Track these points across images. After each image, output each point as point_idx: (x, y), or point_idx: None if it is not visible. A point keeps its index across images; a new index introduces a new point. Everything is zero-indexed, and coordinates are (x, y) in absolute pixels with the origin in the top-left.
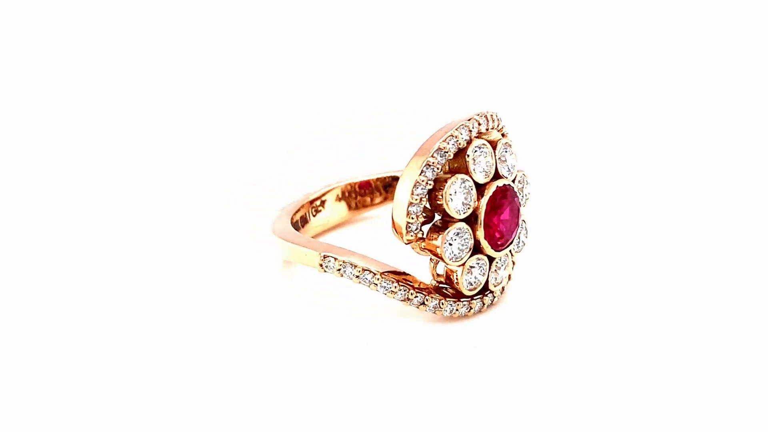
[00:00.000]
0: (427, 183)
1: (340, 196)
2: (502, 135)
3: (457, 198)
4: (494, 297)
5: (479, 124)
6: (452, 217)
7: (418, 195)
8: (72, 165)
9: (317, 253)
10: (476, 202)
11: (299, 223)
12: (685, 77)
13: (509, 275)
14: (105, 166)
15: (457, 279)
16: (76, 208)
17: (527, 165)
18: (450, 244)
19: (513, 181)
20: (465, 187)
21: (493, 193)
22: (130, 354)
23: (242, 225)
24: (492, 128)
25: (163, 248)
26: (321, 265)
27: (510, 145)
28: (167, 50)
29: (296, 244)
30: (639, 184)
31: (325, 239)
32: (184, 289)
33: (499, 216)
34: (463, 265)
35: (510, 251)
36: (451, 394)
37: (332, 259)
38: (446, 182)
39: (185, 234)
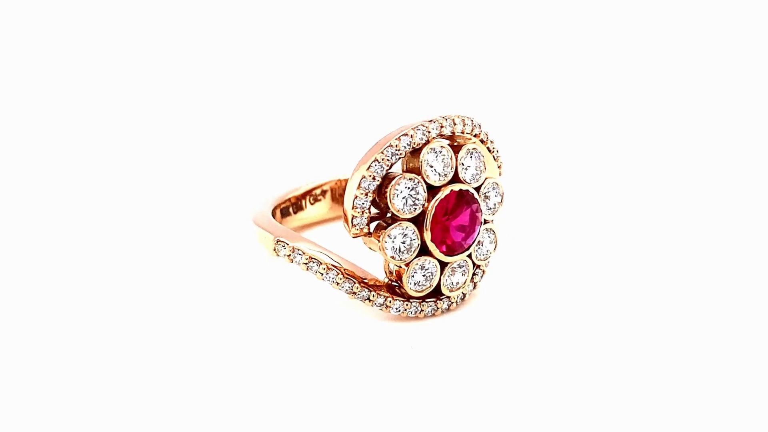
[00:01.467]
0: (374, 178)
1: (329, 191)
2: (481, 141)
3: (401, 196)
4: (451, 302)
5: (442, 127)
6: (398, 216)
7: (364, 189)
8: (60, 159)
9: (272, 236)
10: (426, 204)
11: (288, 212)
12: (677, 78)
13: (475, 283)
14: (97, 160)
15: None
16: (64, 202)
17: (514, 167)
18: (393, 241)
19: (478, 189)
20: (413, 186)
21: (447, 196)
22: (120, 345)
23: (232, 218)
24: (465, 132)
25: (156, 242)
26: (274, 250)
27: (477, 152)
28: (166, 49)
29: (259, 226)
30: (624, 189)
31: (310, 233)
32: (169, 279)
33: (452, 220)
34: (408, 264)
35: (471, 258)
36: (375, 392)
37: (284, 245)
38: (393, 179)
39: (177, 228)
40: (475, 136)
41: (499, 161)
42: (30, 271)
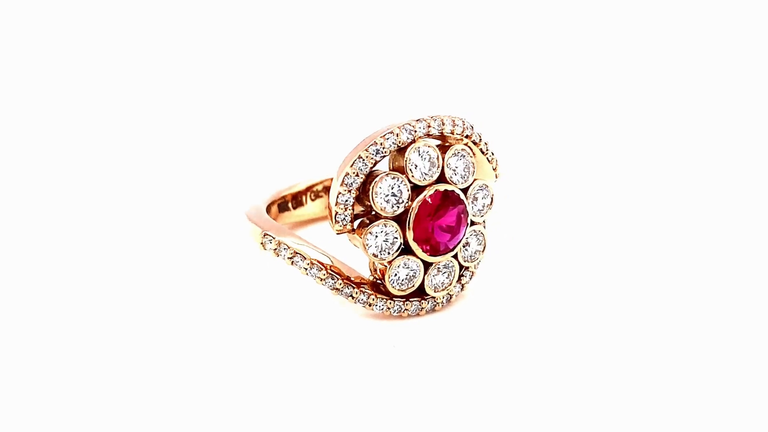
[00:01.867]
0: (357, 175)
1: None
2: (474, 143)
3: (383, 194)
4: (436, 302)
5: (429, 126)
6: (380, 214)
7: (347, 186)
8: (50, 156)
9: (260, 230)
10: (410, 203)
11: (286, 207)
12: (673, 78)
13: (462, 285)
14: (92, 156)
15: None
16: (55, 198)
17: (509, 167)
18: (374, 239)
19: (466, 190)
20: (397, 185)
21: (432, 196)
22: (108, 335)
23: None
24: (455, 133)
25: (153, 238)
26: (262, 244)
27: (466, 153)
28: (163, 48)
29: (251, 220)
30: (617, 192)
31: (311, 228)
32: (161, 272)
33: (437, 221)
34: (391, 263)
35: (457, 259)
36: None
37: (271, 239)
38: (377, 177)
39: (174, 224)
40: (466, 137)
41: (494, 163)
42: (16, 259)
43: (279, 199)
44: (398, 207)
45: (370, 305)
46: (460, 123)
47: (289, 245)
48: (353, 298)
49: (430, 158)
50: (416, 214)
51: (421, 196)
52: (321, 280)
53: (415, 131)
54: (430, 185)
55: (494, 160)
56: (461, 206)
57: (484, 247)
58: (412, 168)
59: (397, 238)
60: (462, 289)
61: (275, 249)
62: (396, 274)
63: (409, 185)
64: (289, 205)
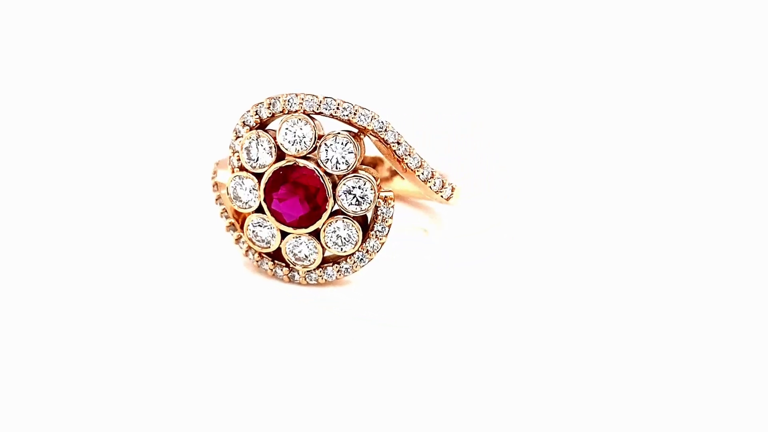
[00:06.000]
0: (243, 125)
1: None
2: (380, 138)
3: (245, 149)
4: (291, 273)
5: (302, 102)
6: (244, 167)
7: (235, 133)
8: (40, 152)
9: (215, 170)
10: (268, 167)
11: None
12: (670, 78)
13: (321, 267)
14: (82, 154)
15: None
16: (45, 195)
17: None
18: (231, 184)
19: (341, 177)
20: (261, 145)
21: (288, 167)
22: (108, 337)
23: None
24: (353, 122)
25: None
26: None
27: (346, 141)
28: (160, 47)
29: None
30: (610, 194)
31: None
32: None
33: (279, 191)
34: (247, 213)
35: (319, 240)
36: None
37: (216, 184)
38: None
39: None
40: (372, 132)
41: (404, 164)
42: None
43: None
44: (256, 166)
45: (239, 242)
46: (366, 116)
47: (220, 184)
48: (233, 229)
49: (297, 132)
50: (269, 178)
51: (277, 165)
52: (223, 212)
53: (301, 104)
54: (291, 156)
55: (405, 161)
56: (316, 188)
57: (358, 240)
58: (280, 136)
59: (254, 192)
60: (339, 277)
61: (213, 185)
62: (252, 227)
63: (274, 150)
64: None
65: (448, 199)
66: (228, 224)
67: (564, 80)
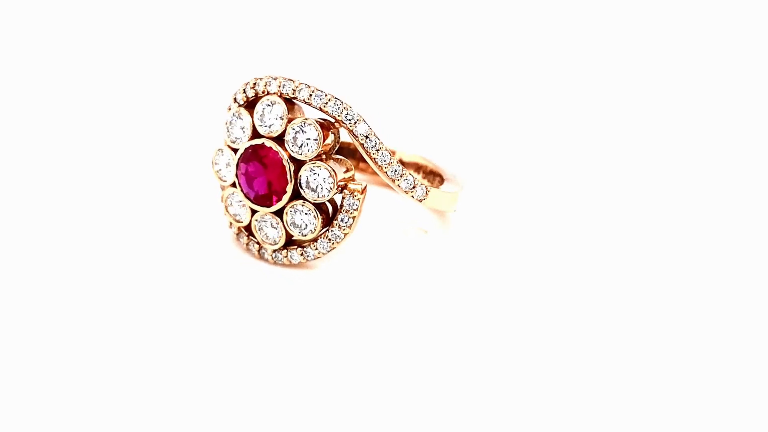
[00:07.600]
0: (234, 101)
1: None
2: (349, 130)
3: (227, 125)
4: (260, 249)
5: (281, 86)
6: (228, 143)
7: (234, 97)
8: (36, 150)
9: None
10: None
11: None
12: (668, 78)
13: (287, 248)
14: (78, 151)
15: None
16: (41, 192)
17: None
18: (215, 156)
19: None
20: (240, 122)
21: (255, 147)
22: (103, 332)
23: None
24: (327, 111)
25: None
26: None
27: (314, 128)
28: (159, 46)
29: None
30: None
31: None
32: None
33: (246, 167)
34: (225, 186)
35: (283, 222)
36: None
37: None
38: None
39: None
40: (336, 120)
41: (373, 159)
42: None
43: None
44: (235, 142)
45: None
46: (338, 106)
47: (216, 161)
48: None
49: (269, 114)
50: (241, 155)
51: (251, 142)
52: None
53: (268, 84)
54: (265, 137)
55: (376, 159)
56: (278, 170)
57: (318, 224)
58: (255, 115)
59: (231, 165)
60: (304, 261)
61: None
62: (229, 199)
63: (250, 128)
64: None
65: (421, 200)
66: (222, 197)
67: (560, 80)
